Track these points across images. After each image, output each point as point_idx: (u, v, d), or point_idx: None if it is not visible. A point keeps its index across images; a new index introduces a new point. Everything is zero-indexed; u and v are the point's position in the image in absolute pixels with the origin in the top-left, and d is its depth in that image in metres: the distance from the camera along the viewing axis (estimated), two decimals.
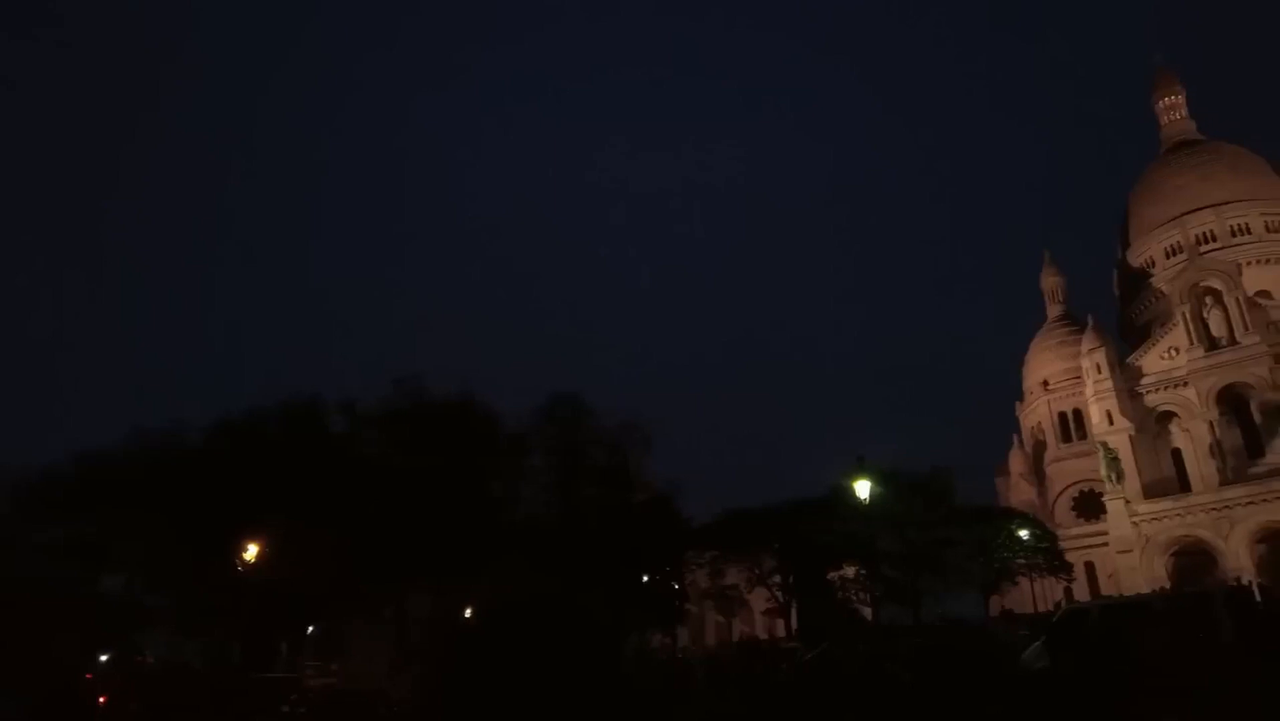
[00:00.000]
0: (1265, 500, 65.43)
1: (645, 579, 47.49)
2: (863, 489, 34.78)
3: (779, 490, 49.12)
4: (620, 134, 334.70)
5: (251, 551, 30.07)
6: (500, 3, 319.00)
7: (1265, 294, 77.78)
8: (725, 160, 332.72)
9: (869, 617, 54.89)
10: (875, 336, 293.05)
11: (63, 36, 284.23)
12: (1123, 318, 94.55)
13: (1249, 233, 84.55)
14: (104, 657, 34.97)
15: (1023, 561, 59.72)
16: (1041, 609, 58.29)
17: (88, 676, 25.16)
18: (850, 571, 55.15)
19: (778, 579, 56.74)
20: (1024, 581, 61.51)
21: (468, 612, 40.09)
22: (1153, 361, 77.81)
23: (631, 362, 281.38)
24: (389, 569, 29.21)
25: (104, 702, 22.06)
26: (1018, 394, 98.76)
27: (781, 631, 62.78)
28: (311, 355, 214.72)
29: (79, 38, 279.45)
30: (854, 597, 55.23)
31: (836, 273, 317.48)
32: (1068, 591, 69.63)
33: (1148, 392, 76.85)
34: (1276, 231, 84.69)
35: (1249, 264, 79.53)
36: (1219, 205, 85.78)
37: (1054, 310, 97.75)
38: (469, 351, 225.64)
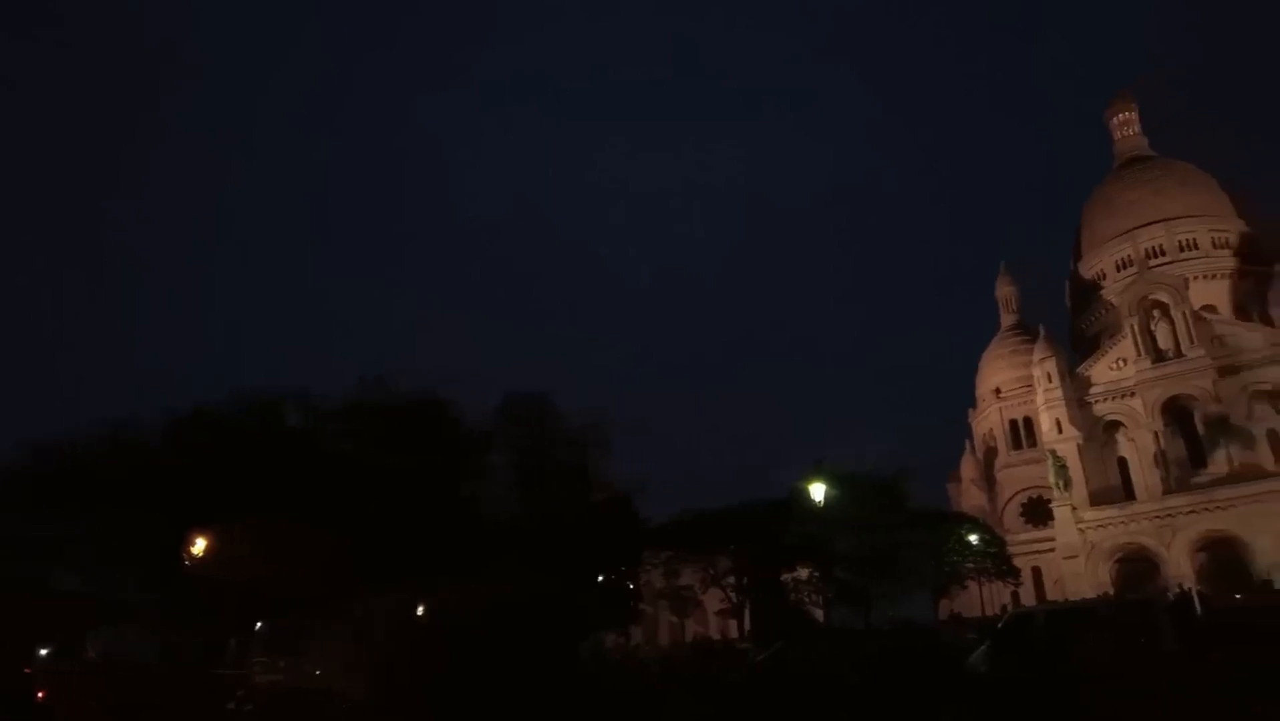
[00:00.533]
0: (1206, 509, 67.28)
1: (600, 578, 47.44)
2: (818, 491, 35.16)
3: (778, 490, 49.49)
4: (620, 134, 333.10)
5: (199, 545, 29.51)
6: (500, 3, 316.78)
7: (1211, 308, 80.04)
8: (725, 160, 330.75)
9: (820, 619, 55.43)
10: (875, 336, 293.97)
11: (63, 36, 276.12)
12: (1074, 328, 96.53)
13: (1196, 248, 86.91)
14: (43, 652, 34.14)
15: (972, 565, 60.74)
16: (989, 612, 59.27)
17: (26, 671, 24.51)
18: (804, 573, 55.63)
19: (732, 580, 57.02)
20: (972, 585, 62.53)
21: (419, 610, 39.78)
22: (1101, 372, 79.59)
23: (631, 362, 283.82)
24: (345, 566, 28.88)
25: (42, 698, 21.53)
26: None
27: (734, 632, 63.14)
28: (311, 355, 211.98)
29: (79, 38, 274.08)
30: (807, 599, 55.72)
31: (836, 273, 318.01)
32: (1015, 596, 71.02)
33: (1096, 402, 78.59)
34: (1223, 247, 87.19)
35: (1196, 278, 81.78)
36: (1169, 220, 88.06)
37: (1007, 319, 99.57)
38: (469, 351, 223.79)
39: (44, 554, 30.67)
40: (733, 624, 64.68)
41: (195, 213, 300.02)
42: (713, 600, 69.11)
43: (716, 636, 71.39)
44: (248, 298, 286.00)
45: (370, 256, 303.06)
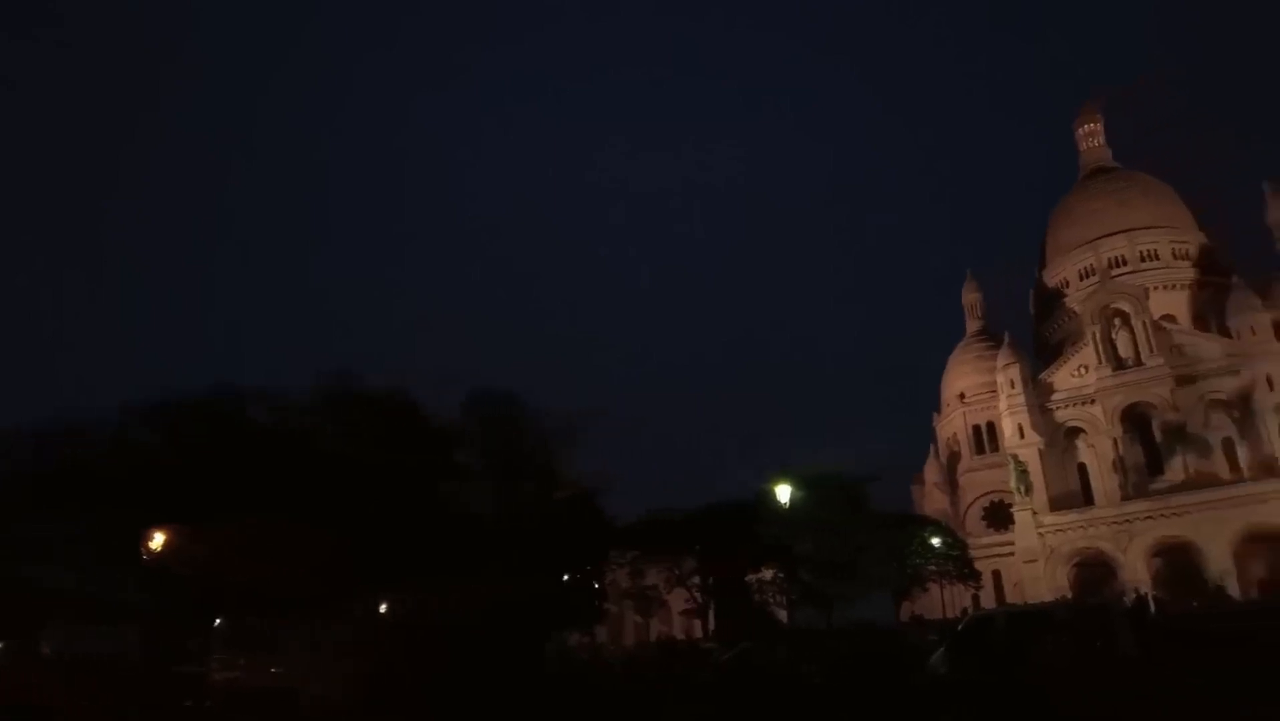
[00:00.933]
0: (1163, 515, 68.59)
1: (566, 577, 47.39)
2: (783, 493, 35.39)
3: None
4: (620, 134, 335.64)
5: (158, 540, 29.05)
6: (500, 3, 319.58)
7: (1170, 318, 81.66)
8: (725, 160, 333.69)
9: (784, 620, 55.78)
10: (875, 336, 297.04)
11: (63, 36, 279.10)
12: (1037, 335, 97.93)
13: (1157, 258, 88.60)
14: None
15: (933, 568, 61.38)
16: (950, 615, 59.90)
17: None
18: (768, 574, 55.92)
19: (697, 580, 57.20)
20: (934, 587, 63.20)
21: (383, 609, 39.50)
22: (1063, 379, 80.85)
23: (631, 363, 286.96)
24: (317, 564, 28.57)
25: None
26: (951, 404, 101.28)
27: (699, 632, 63.36)
28: (312, 355, 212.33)
29: (79, 38, 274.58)
30: (771, 600, 56.03)
31: (836, 273, 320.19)
32: (975, 598, 71.92)
33: (1057, 408, 79.86)
34: (1183, 258, 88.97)
35: (1156, 288, 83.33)
36: (1131, 231, 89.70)
37: (973, 325, 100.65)
38: (469, 351, 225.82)
39: (14, 549, 30.08)
40: (697, 624, 64.87)
41: (195, 213, 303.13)
42: (678, 600, 69.23)
43: (681, 636, 71.58)
44: (248, 298, 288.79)
45: (370, 256, 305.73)
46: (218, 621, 32.74)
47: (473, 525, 35.09)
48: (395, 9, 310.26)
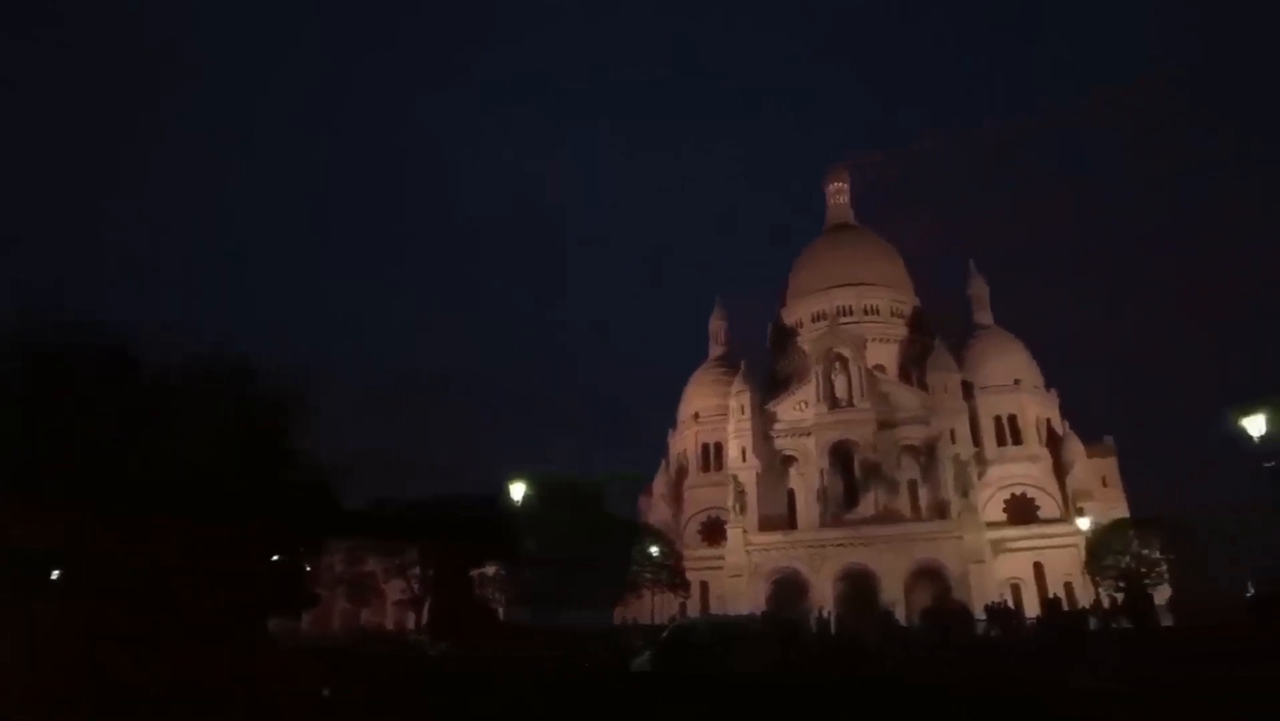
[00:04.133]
0: (851, 544, 76.12)
1: (276, 558, 44.72)
2: (516, 491, 35.71)
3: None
4: (620, 134, 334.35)
5: None
6: (500, 3, 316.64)
7: (881, 368, 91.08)
8: (725, 160, 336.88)
9: (502, 616, 56.00)
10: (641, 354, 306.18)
11: (63, 36, 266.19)
12: (772, 367, 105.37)
13: (878, 313, 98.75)
14: None
15: (650, 576, 64.22)
16: (658, 621, 62.77)
17: None
18: (490, 570, 55.95)
19: (417, 571, 56.12)
20: (647, 594, 66.06)
21: (56, 575, 35.35)
22: (787, 410, 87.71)
23: (632, 363, 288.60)
24: None
25: None
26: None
27: (411, 624, 62.07)
28: (312, 355, 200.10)
29: (79, 38, 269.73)
30: (491, 596, 56.08)
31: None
32: (683, 607, 75.83)
33: (778, 437, 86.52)
34: (898, 316, 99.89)
35: (874, 340, 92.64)
36: (860, 285, 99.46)
37: (715, 350, 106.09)
38: (469, 351, 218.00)
39: None
40: (411, 616, 63.51)
41: (195, 212, 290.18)
42: (394, 590, 67.44)
43: (391, 627, 69.74)
44: (248, 298, 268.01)
45: (370, 256, 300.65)
46: None
47: (170, 493, 32.35)
48: (395, 9, 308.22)
